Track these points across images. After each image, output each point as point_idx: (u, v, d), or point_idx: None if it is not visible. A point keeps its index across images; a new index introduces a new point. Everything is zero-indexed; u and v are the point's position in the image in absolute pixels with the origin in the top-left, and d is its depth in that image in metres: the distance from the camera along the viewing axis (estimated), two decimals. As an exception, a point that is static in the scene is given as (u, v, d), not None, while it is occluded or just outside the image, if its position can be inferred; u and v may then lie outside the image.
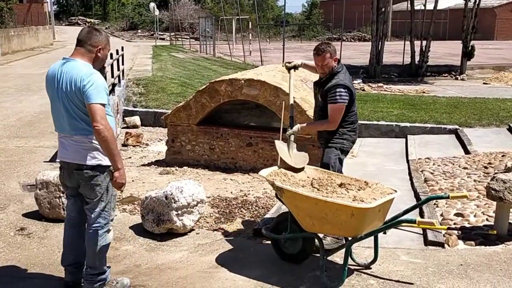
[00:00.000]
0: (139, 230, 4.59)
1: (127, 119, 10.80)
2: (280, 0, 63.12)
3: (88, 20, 54.94)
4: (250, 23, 27.89)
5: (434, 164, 7.35)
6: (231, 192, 5.94)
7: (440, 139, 9.20)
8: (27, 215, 4.97)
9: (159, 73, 16.17)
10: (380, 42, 17.06)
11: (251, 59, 21.11)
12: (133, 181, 6.42)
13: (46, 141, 8.43)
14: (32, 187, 5.52)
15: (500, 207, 4.11)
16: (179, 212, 4.28)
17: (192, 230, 4.54)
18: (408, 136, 9.39)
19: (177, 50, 27.51)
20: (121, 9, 58.49)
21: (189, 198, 4.31)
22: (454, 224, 4.51)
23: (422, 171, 7.00)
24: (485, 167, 6.91)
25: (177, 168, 7.25)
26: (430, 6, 18.39)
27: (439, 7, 18.31)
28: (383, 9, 16.91)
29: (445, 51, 24.86)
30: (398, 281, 3.49)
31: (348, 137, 4.27)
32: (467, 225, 4.45)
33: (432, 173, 6.78)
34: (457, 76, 17.86)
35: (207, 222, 4.79)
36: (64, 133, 3.28)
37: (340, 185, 3.51)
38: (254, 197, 5.74)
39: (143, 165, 7.71)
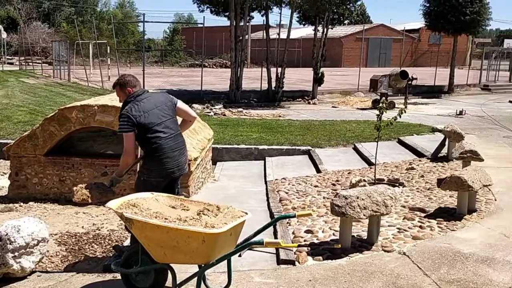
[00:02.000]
0: (-30, 277, 4.03)
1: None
2: (141, 26, 62.32)
3: None
4: (108, 47, 26.99)
5: (289, 184, 7.71)
6: (83, 227, 5.56)
7: (295, 159, 9.71)
8: None
9: (4, 100, 14.80)
10: (239, 69, 17.65)
11: (109, 85, 20.37)
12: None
13: None
14: None
15: (343, 221, 4.41)
16: (16, 254, 3.84)
17: (33, 272, 4.10)
18: (266, 158, 9.77)
19: (27, 75, 25.50)
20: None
21: (27, 238, 3.90)
22: (305, 240, 4.73)
23: (278, 191, 7.29)
24: (333, 184, 7.44)
25: (21, 204, 6.60)
26: (284, 35, 19.57)
27: (293, 36, 19.58)
28: (240, 38, 17.58)
29: (298, 77, 26.59)
30: (251, 303, 3.52)
31: (151, 166, 4.15)
32: (316, 241, 4.69)
33: (286, 193, 7.09)
34: (310, 100, 19.17)
35: (52, 262, 4.40)
36: None
37: (193, 211, 3.46)
38: (107, 231, 5.44)
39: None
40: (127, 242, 4.81)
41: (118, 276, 3.93)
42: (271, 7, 18.30)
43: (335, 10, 18.47)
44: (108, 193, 4.22)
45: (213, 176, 8.56)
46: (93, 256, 4.69)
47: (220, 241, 3.14)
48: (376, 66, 42.61)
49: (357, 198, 4.34)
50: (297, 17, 19.52)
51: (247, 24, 19.15)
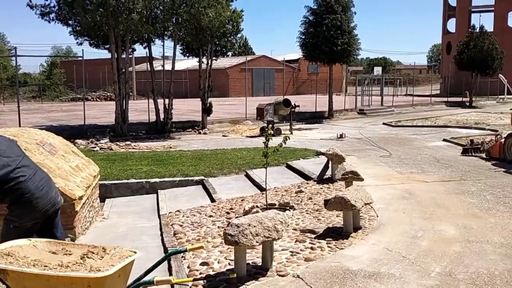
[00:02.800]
0: None
1: None
2: (13, 60, 58.46)
3: None
4: (-23, 83, 24.81)
5: (183, 216, 7.59)
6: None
7: (189, 190, 9.60)
8: None
9: None
10: (124, 101, 17.22)
11: (-20, 124, 18.67)
12: None
13: None
14: None
15: (237, 250, 4.41)
16: None
17: None
18: (158, 191, 9.53)
19: None
20: None
21: None
22: (200, 273, 4.65)
23: (172, 224, 7.13)
24: (227, 213, 7.46)
25: None
26: (168, 67, 19.58)
27: (178, 67, 19.69)
28: (123, 70, 17.21)
29: (187, 108, 26.63)
30: None
31: (22, 212, 3.80)
32: (212, 273, 4.63)
33: (181, 225, 6.97)
34: (200, 130, 19.24)
35: None
36: None
37: (76, 255, 3.24)
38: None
39: None
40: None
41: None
42: (153, 39, 18.24)
43: (217, 42, 18.92)
44: None
45: (102, 214, 8.15)
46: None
47: (108, 285, 2.96)
48: (261, 95, 44.21)
49: (249, 225, 4.38)
50: (181, 49, 19.67)
51: (130, 56, 18.87)
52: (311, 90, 43.87)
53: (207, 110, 19.50)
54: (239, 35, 19.30)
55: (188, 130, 19.39)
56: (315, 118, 23.66)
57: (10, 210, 3.84)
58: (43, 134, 7.87)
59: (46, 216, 3.94)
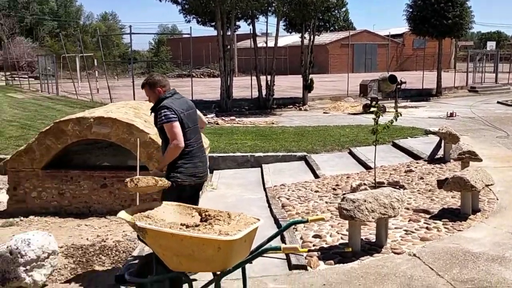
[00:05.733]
0: (-21, 293, 3.96)
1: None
2: (125, 38, 62.30)
3: None
4: (95, 60, 26.86)
5: (289, 190, 7.71)
6: (87, 239, 5.49)
7: (292, 166, 9.70)
8: None
9: (-6, 115, 14.65)
10: (228, 78, 17.68)
11: (99, 97, 20.26)
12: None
13: None
14: None
15: (352, 225, 4.41)
16: (28, 267, 3.79)
17: (44, 285, 4.05)
18: (262, 165, 9.74)
19: (14, 90, 25.28)
20: None
21: (38, 251, 3.85)
22: (314, 245, 4.72)
23: (279, 197, 7.28)
24: (334, 189, 7.45)
25: (22, 218, 6.50)
26: (271, 44, 19.70)
27: (279, 44, 19.72)
28: (228, 47, 17.62)
29: (287, 85, 26.70)
30: (268, 309, 3.50)
31: (185, 170, 4.08)
32: (325, 245, 4.69)
33: (288, 199, 7.09)
34: (301, 107, 19.24)
35: (62, 275, 4.33)
36: None
37: (205, 219, 3.44)
38: (113, 242, 5.38)
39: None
40: (135, 253, 4.77)
41: (131, 286, 3.89)
42: (257, 16, 18.39)
43: (321, 17, 18.62)
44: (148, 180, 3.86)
45: (211, 185, 8.52)
46: (102, 267, 4.63)
47: (235, 248, 3.12)
48: (362, 71, 42.98)
49: (365, 201, 4.35)
50: (284, 25, 19.64)
51: (234, 33, 19.21)
52: (416, 67, 41.80)
53: (308, 86, 19.42)
54: (343, 9, 18.81)
55: (289, 106, 19.48)
56: (421, 95, 22.57)
57: (176, 167, 4.06)
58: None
59: (198, 183, 4.21)
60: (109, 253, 5.01)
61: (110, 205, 6.90)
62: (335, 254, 4.42)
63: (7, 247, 3.80)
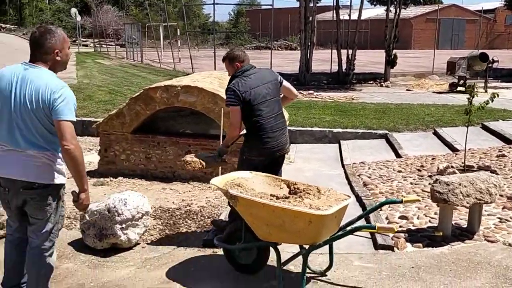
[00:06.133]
0: (79, 246, 4.24)
1: (52, 128, 10.14)
2: (205, 8, 63.04)
3: (3, 25, 51.69)
4: (178, 30, 27.47)
5: (369, 169, 7.53)
6: (173, 202, 5.69)
7: (372, 143, 9.45)
8: None
9: (85, 80, 15.47)
10: (308, 51, 17.41)
11: (181, 66, 20.78)
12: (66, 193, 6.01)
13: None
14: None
15: (444, 209, 4.23)
16: (124, 225, 4.00)
17: (137, 244, 4.26)
18: (341, 141, 9.56)
19: (102, 57, 26.55)
20: (39, 14, 55.55)
21: (133, 211, 4.04)
22: (400, 226, 4.58)
23: (359, 175, 7.14)
24: (419, 170, 7.17)
25: (111, 178, 6.87)
26: (353, 16, 19.09)
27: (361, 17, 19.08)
28: (310, 18, 17.30)
29: (368, 60, 25.91)
30: (354, 287, 3.46)
31: (252, 145, 4.15)
32: (412, 228, 4.54)
33: (369, 177, 6.93)
34: (382, 83, 18.62)
35: (151, 235, 4.53)
36: (14, 146, 2.90)
37: (294, 191, 3.44)
38: (198, 207, 5.53)
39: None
40: (221, 218, 4.88)
41: (218, 251, 4.00)
42: (343, -14, 17.86)
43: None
44: (220, 162, 4.34)
45: (288, 158, 8.50)
46: (189, 230, 4.79)
47: (326, 223, 3.09)
48: (448, 48, 40.68)
49: (460, 185, 4.13)
50: (370, -4, 18.93)
51: (316, 4, 18.78)
52: (508, 45, 39.01)
53: (391, 62, 18.70)
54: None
55: (369, 82, 18.91)
56: (513, 76, 21.05)
57: (245, 141, 4.24)
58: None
59: (272, 158, 4.22)
60: (195, 217, 5.16)
61: (193, 171, 7.10)
62: (423, 237, 4.27)
63: (105, 205, 4.03)
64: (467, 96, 6.48)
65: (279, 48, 39.99)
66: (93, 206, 4.11)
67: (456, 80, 16.61)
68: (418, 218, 4.82)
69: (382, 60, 19.24)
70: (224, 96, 6.95)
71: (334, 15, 18.50)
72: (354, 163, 7.91)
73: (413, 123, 10.54)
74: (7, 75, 2.91)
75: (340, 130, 9.95)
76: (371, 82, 18.90)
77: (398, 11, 18.15)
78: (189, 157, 4.27)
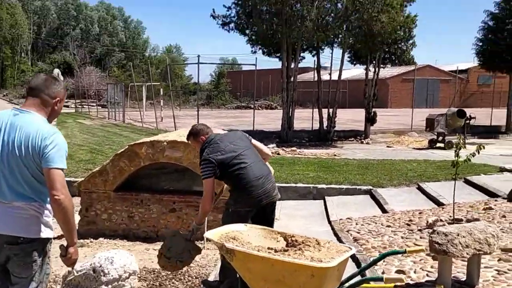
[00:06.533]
0: (59, 311, 3.96)
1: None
2: (187, 70, 64.36)
3: (-17, 87, 51.68)
4: (161, 89, 27.77)
5: (357, 224, 7.41)
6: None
7: (357, 199, 9.38)
8: None
9: (66, 139, 15.23)
10: (290, 109, 17.68)
11: (163, 125, 20.81)
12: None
13: None
14: None
15: (443, 261, 4.09)
16: (110, 286, 3.75)
17: (123, 307, 4.00)
18: (326, 197, 9.47)
19: (83, 117, 26.50)
20: (21, 76, 55.82)
21: (120, 270, 3.81)
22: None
23: (347, 231, 7.00)
24: (408, 224, 7.07)
25: (91, 239, 6.59)
26: (333, 77, 19.60)
27: (335, 77, 19.62)
28: (292, 78, 17.71)
29: (347, 118, 26.38)
30: None
31: (238, 196, 4.13)
32: (411, 282, 4.38)
33: (358, 233, 6.80)
34: (363, 140, 18.87)
35: (138, 297, 4.28)
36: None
37: (292, 244, 3.29)
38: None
39: (53, 238, 6.92)
40: (211, 278, 4.66)
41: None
42: (322, 47, 18.45)
43: (387, 49, 18.42)
44: (195, 252, 4.22)
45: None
46: (177, 292, 4.54)
47: (328, 277, 2.93)
48: (424, 107, 41.89)
49: (458, 235, 4.03)
50: (348, 57, 19.57)
51: (298, 64, 19.30)
52: (480, 104, 40.24)
53: (370, 119, 19.07)
54: (410, 41, 18.52)
55: (350, 139, 19.16)
56: (489, 132, 21.59)
57: (230, 195, 4.20)
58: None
59: (260, 207, 4.14)
60: (182, 278, 4.91)
61: (179, 229, 6.87)
62: (421, 292, 4.11)
63: (90, 265, 3.78)
64: (454, 148, 6.55)
65: (259, 108, 40.58)
66: (77, 266, 3.85)
67: (435, 137, 16.95)
68: (415, 272, 4.66)
69: (361, 118, 19.63)
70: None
71: (313, 75, 19.00)
72: (340, 219, 7.80)
73: (396, 178, 10.58)
74: None
75: (324, 186, 9.90)
76: (352, 139, 19.15)
77: (377, 70, 18.75)
78: (162, 261, 4.09)
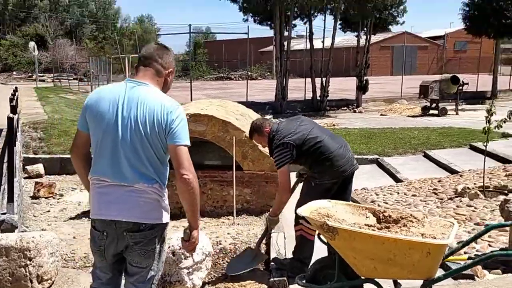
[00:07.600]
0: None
1: (28, 168, 9.20)
2: (161, 39, 62.64)
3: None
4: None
5: (377, 195, 7.35)
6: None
7: (364, 169, 9.26)
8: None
9: (56, 115, 14.59)
10: (284, 78, 17.41)
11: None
12: (74, 238, 5.43)
13: None
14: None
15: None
16: (190, 269, 3.52)
17: (200, 289, 3.79)
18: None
19: (64, 91, 25.53)
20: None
21: (199, 252, 3.59)
22: (465, 253, 4.34)
23: (372, 201, 6.93)
24: (435, 193, 7.02)
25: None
26: (326, 44, 19.33)
27: (318, 46, 19.36)
28: (285, 46, 17.37)
29: (336, 87, 26.23)
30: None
31: (323, 169, 3.96)
32: (479, 253, 4.31)
33: (386, 203, 6.73)
34: (355, 109, 18.82)
35: (211, 278, 4.04)
36: (118, 181, 2.44)
37: (385, 220, 3.12)
38: (229, 244, 5.08)
39: (72, 218, 6.60)
40: (272, 254, 4.48)
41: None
42: (315, 14, 18.08)
43: (378, 16, 18.21)
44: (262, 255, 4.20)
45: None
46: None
47: (442, 253, 2.79)
48: (401, 74, 42.15)
49: (530, 204, 3.97)
50: (339, 23, 19.27)
51: (291, 32, 18.91)
52: (458, 70, 40.65)
53: (362, 88, 18.99)
54: (401, 7, 18.32)
55: (342, 108, 19.08)
56: (476, 98, 21.84)
57: (312, 169, 4.01)
58: (239, 107, 8.11)
59: (344, 177, 3.98)
60: (233, 256, 4.70)
61: (202, 206, 6.63)
62: (495, 263, 4.04)
63: (169, 247, 3.54)
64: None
65: (240, 78, 40.11)
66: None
67: (428, 104, 17.01)
68: (476, 243, 4.60)
69: (349, 87, 19.54)
70: (236, 124, 6.70)
71: (306, 44, 18.68)
72: (356, 189, 7.68)
73: (401, 146, 10.57)
74: (107, 97, 2.47)
75: (331, 156, 9.78)
76: (344, 108, 19.07)
77: (369, 37, 18.57)
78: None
